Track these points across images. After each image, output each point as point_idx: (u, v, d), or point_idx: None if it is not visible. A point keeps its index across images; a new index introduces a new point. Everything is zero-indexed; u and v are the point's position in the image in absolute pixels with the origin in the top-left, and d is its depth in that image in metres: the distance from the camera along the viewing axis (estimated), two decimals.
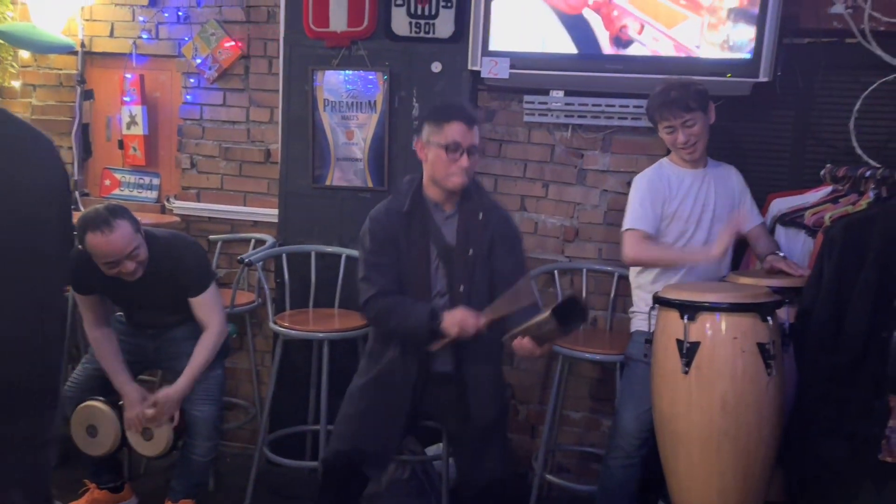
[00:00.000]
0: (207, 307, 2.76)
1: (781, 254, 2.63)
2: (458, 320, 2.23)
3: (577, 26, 2.96)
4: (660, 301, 2.35)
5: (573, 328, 2.15)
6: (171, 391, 2.71)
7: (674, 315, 2.27)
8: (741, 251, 2.88)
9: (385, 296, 2.35)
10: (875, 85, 2.84)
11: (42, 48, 3.59)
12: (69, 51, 3.60)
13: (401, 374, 2.40)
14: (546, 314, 2.07)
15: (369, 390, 2.44)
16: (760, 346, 2.20)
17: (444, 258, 2.39)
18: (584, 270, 3.21)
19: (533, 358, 2.24)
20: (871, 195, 2.51)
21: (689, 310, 2.23)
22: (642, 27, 2.92)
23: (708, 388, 2.21)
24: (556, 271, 3.22)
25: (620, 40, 2.95)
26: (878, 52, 2.81)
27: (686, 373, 2.22)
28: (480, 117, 2.39)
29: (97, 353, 2.77)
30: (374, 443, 2.43)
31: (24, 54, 3.77)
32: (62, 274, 1.94)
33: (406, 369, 2.39)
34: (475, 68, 3.07)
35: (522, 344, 2.16)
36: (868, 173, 2.55)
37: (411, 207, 2.38)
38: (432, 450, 3.16)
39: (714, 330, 2.22)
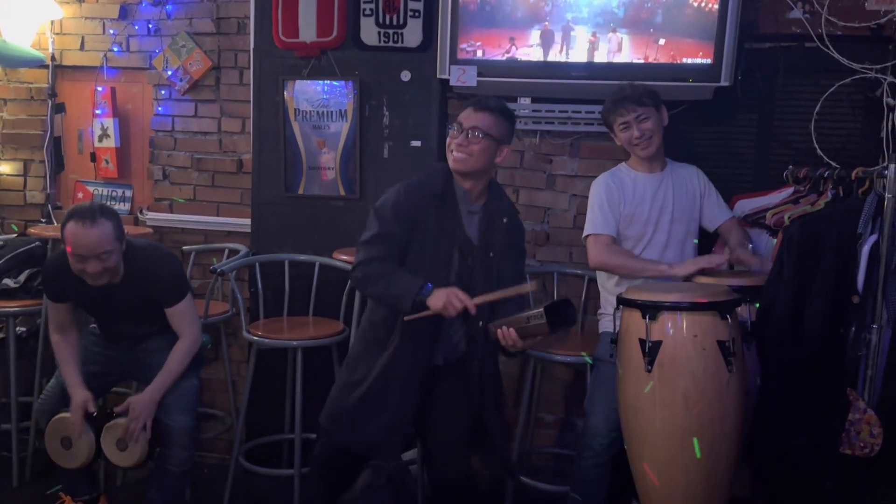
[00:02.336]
0: (183, 317, 2.77)
1: (751, 246, 2.68)
2: (444, 293, 2.22)
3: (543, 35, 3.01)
4: (623, 302, 2.39)
5: (561, 329, 2.18)
6: (143, 396, 2.70)
7: (636, 315, 2.31)
8: (710, 244, 2.92)
9: (383, 262, 2.32)
10: (833, 88, 2.91)
11: (12, 62, 3.59)
12: (40, 64, 3.60)
13: (408, 362, 2.37)
14: (539, 310, 2.11)
15: (383, 378, 2.38)
16: (720, 344, 2.24)
17: (462, 251, 2.39)
18: (556, 274, 3.25)
19: (508, 348, 2.25)
20: (829, 195, 2.57)
21: (651, 310, 2.27)
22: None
23: (670, 385, 2.25)
24: (527, 275, 3.24)
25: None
26: (836, 55, 2.87)
27: (649, 371, 2.26)
28: (502, 113, 2.40)
29: (57, 356, 2.77)
30: (388, 434, 2.41)
31: None
32: None
33: (413, 357, 2.37)
34: (444, 76, 3.11)
35: (507, 334, 2.19)
36: (826, 174, 2.61)
37: (443, 191, 2.36)
38: (408, 455, 3.18)
39: (675, 329, 2.26)
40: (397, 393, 2.37)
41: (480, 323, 2.32)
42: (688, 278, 2.56)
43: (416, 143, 3.27)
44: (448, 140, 2.39)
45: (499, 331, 2.22)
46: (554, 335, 2.24)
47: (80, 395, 2.69)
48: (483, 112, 2.37)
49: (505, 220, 2.42)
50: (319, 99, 3.33)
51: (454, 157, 2.36)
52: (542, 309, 2.12)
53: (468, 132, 2.34)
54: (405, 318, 2.28)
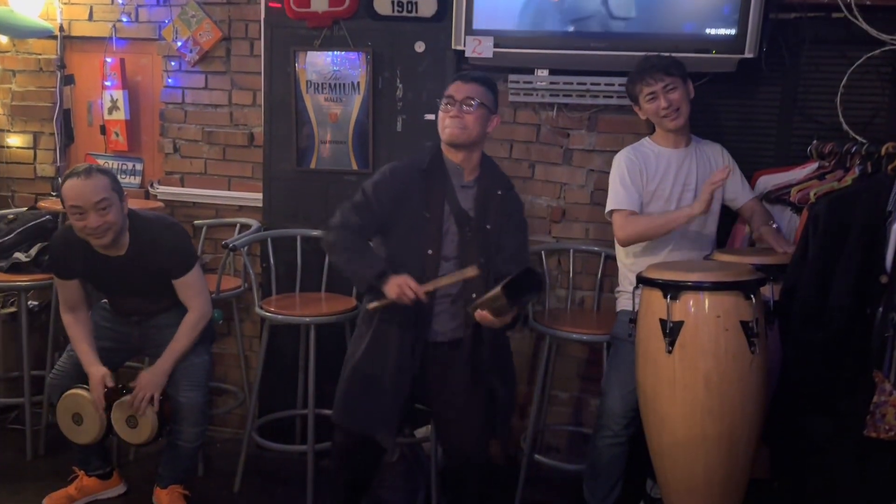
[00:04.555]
0: (191, 289, 2.75)
1: (775, 225, 2.62)
2: (397, 283, 2.26)
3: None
4: (643, 281, 2.34)
5: (526, 300, 2.23)
6: (152, 370, 2.70)
7: (657, 295, 2.26)
8: (727, 229, 2.87)
9: (354, 232, 2.38)
10: (861, 60, 2.81)
11: (20, 33, 3.54)
12: (48, 35, 3.55)
13: (392, 340, 2.40)
14: (497, 290, 2.14)
15: (367, 357, 2.43)
16: (744, 325, 2.19)
17: (459, 224, 2.40)
18: (571, 251, 3.20)
19: (494, 327, 2.28)
20: (856, 171, 2.49)
21: (672, 289, 2.22)
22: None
23: (691, 366, 2.20)
24: (543, 252, 3.21)
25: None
26: (864, 26, 2.77)
27: (670, 352, 2.21)
28: (487, 84, 2.43)
29: (69, 336, 2.77)
30: (381, 411, 2.43)
31: (2, 39, 3.72)
32: None
33: (396, 335, 2.40)
34: (459, 48, 3.04)
35: (483, 315, 2.22)
36: (854, 149, 2.53)
37: (430, 166, 2.40)
38: (421, 432, 3.16)
39: (697, 309, 2.21)
40: (384, 371, 2.40)
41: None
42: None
43: (430, 117, 3.20)
44: (441, 115, 2.40)
45: (476, 313, 2.24)
46: (521, 306, 2.27)
47: (97, 371, 2.69)
48: (472, 83, 2.40)
49: (500, 193, 2.44)
50: (331, 71, 3.27)
51: (449, 130, 2.38)
52: (500, 288, 2.14)
53: (461, 104, 2.36)
54: (368, 307, 2.36)
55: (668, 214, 2.59)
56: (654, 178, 2.65)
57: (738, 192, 2.73)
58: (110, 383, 2.68)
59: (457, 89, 2.38)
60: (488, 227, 2.41)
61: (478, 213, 2.41)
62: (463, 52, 3.03)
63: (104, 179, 2.59)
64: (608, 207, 2.67)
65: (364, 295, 2.48)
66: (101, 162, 3.70)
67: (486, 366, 2.42)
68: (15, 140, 3.81)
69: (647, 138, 2.75)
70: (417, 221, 2.38)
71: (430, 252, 2.37)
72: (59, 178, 3.63)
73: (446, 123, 2.38)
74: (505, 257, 2.41)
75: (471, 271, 2.27)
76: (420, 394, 2.52)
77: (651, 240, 2.63)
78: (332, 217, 2.44)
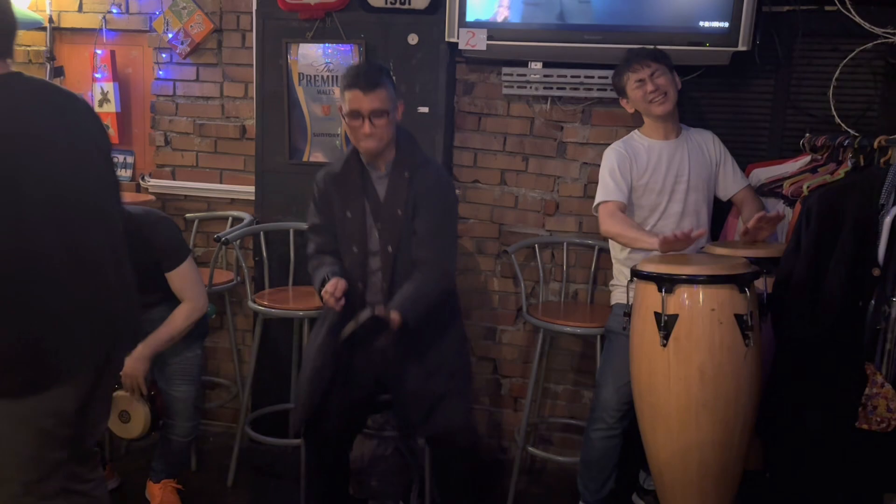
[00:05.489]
0: (185, 280, 2.72)
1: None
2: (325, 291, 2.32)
3: None
4: (637, 274, 2.34)
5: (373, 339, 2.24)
6: (133, 355, 2.64)
7: (651, 288, 2.26)
8: (720, 221, 2.87)
9: (317, 255, 2.49)
10: (854, 53, 2.81)
11: None
12: (37, 27, 3.50)
13: (321, 331, 2.47)
14: (351, 325, 2.20)
15: (322, 347, 2.45)
16: (738, 318, 2.19)
17: (375, 216, 2.41)
18: (565, 244, 3.20)
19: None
20: (849, 164, 2.50)
21: (667, 283, 2.22)
22: None
23: (686, 360, 2.21)
24: (536, 245, 3.21)
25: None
26: (857, 19, 2.77)
27: (664, 345, 2.22)
28: (385, 79, 2.34)
29: None
30: (338, 403, 2.44)
31: None
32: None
33: (328, 336, 2.42)
34: (452, 40, 3.03)
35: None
36: (846, 142, 2.54)
37: (345, 168, 2.44)
38: None
39: (692, 302, 2.21)
40: (308, 370, 2.46)
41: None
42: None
43: (424, 110, 3.18)
44: (349, 129, 2.35)
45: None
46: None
47: None
48: (374, 91, 2.28)
49: (406, 175, 2.39)
50: (324, 63, 3.25)
51: (365, 146, 2.35)
52: (351, 324, 2.20)
53: (369, 118, 2.30)
54: (343, 335, 2.26)
55: (640, 232, 2.52)
56: (646, 171, 2.65)
57: (730, 183, 2.74)
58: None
59: (360, 102, 2.29)
60: (399, 212, 2.37)
61: (387, 200, 2.39)
62: (456, 44, 3.02)
63: None
64: (596, 201, 2.68)
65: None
66: None
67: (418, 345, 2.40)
68: None
69: (636, 131, 2.75)
70: (344, 222, 2.43)
71: (355, 250, 2.40)
72: None
73: (360, 141, 2.34)
74: (417, 241, 2.37)
75: (364, 315, 2.21)
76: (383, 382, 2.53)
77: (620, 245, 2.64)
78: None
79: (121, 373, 2.63)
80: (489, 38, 2.98)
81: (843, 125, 2.83)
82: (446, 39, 3.04)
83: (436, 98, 3.18)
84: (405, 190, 2.38)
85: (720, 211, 2.84)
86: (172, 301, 2.74)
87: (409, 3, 3.12)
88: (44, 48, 3.58)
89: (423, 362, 2.41)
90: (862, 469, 2.21)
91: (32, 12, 3.48)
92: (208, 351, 3.32)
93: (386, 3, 3.13)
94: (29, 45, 3.67)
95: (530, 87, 3.10)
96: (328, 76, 3.24)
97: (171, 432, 2.76)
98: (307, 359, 2.51)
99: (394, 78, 2.47)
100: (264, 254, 3.27)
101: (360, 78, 2.31)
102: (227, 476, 3.11)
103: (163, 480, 2.82)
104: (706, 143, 2.74)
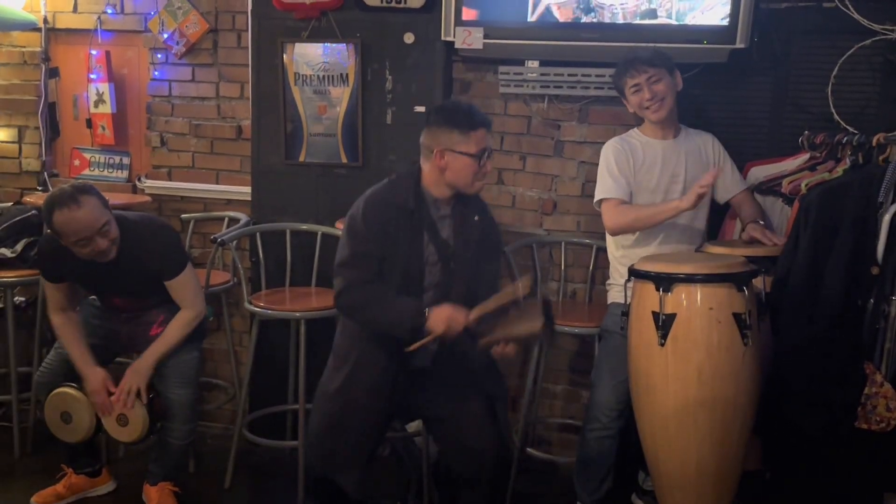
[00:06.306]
0: (184, 289, 2.71)
1: (762, 222, 2.61)
2: (445, 317, 2.16)
3: None
4: (635, 273, 2.33)
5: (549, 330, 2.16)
6: (137, 363, 2.66)
7: (649, 287, 2.25)
8: (718, 220, 2.86)
9: (366, 284, 2.26)
10: (852, 50, 2.80)
11: (3, 25, 3.48)
12: (32, 27, 3.50)
13: (371, 375, 2.34)
14: (539, 323, 2.07)
15: (340, 395, 2.37)
16: (736, 317, 2.18)
17: (440, 255, 2.33)
18: (563, 243, 3.18)
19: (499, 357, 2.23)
20: (847, 162, 2.49)
21: (665, 282, 2.21)
22: None
23: (684, 359, 2.20)
24: (534, 245, 3.19)
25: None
26: (856, 16, 2.76)
27: (662, 345, 2.21)
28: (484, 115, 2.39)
29: (61, 338, 2.73)
30: (346, 451, 2.40)
31: None
32: None
33: (378, 368, 2.33)
34: (449, 39, 3.01)
35: (505, 350, 2.18)
36: (845, 140, 2.53)
37: (408, 201, 2.29)
38: (413, 426, 3.15)
39: (690, 301, 2.20)
40: (355, 409, 2.35)
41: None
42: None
43: (420, 109, 3.17)
44: (476, 172, 2.27)
45: (498, 349, 2.18)
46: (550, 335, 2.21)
47: (96, 374, 2.65)
48: (488, 128, 2.31)
49: (477, 218, 2.36)
50: (320, 62, 3.23)
51: (480, 185, 2.31)
52: (539, 322, 2.08)
53: (485, 156, 2.28)
54: (406, 350, 2.21)
55: (656, 206, 2.58)
56: (641, 169, 2.64)
57: (728, 186, 2.72)
58: (113, 388, 2.64)
59: (487, 140, 2.28)
60: (469, 255, 2.35)
61: (457, 240, 2.35)
62: (452, 43, 3.01)
63: (93, 200, 2.49)
64: (597, 197, 2.66)
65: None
66: (87, 157, 3.66)
67: (473, 367, 2.37)
68: None
69: (634, 129, 2.74)
70: (401, 265, 2.29)
71: (409, 284, 2.30)
72: (45, 173, 3.61)
73: (479, 177, 2.28)
74: (484, 284, 2.35)
75: (520, 288, 2.14)
76: (405, 415, 2.50)
77: (640, 230, 2.62)
78: (335, 283, 2.32)
79: (123, 378, 2.63)
80: (486, 36, 2.96)
81: (841, 122, 2.82)
82: (442, 38, 3.03)
83: (432, 97, 3.16)
84: (476, 232, 2.35)
85: (718, 213, 2.82)
86: (171, 304, 2.73)
87: (405, 2, 3.10)
88: (39, 49, 3.56)
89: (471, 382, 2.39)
90: (861, 469, 2.20)
91: (27, 13, 3.46)
92: (205, 353, 3.30)
93: (382, 1, 3.11)
94: (24, 46, 3.66)
95: (527, 86, 3.08)
96: (324, 76, 3.23)
97: (168, 435, 2.75)
98: (336, 402, 2.38)
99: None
100: (261, 255, 3.25)
101: (485, 117, 2.33)
102: (225, 478, 3.09)
103: (160, 483, 2.81)
104: (705, 145, 2.73)
